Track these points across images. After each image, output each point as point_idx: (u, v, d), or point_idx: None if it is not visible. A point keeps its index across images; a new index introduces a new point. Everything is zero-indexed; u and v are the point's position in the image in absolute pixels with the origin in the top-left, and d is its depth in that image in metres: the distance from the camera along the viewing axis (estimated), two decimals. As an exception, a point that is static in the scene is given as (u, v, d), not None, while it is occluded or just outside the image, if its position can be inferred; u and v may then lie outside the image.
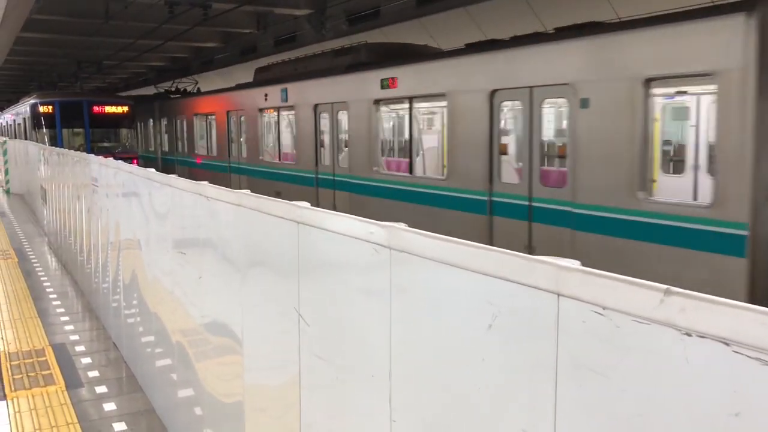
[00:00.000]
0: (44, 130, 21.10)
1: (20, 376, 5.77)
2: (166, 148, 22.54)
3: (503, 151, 9.05)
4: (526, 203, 8.36)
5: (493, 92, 8.69)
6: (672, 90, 8.78)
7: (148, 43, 22.47)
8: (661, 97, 8.71)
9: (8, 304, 8.15)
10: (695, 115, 9.34)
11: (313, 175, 13.05)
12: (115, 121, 22.00)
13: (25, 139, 22.51)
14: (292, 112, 13.91)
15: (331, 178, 12.53)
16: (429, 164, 12.29)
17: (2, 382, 5.61)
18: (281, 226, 2.76)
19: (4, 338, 6.81)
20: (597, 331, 1.37)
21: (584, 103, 7.41)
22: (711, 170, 7.87)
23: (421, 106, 12.18)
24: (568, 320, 1.44)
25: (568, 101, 7.71)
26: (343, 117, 12.38)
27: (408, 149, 11.22)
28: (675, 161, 10.03)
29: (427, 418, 1.95)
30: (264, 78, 15.97)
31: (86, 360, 6.22)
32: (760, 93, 5.78)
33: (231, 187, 3.33)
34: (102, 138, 21.98)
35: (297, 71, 14.45)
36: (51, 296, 8.58)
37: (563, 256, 1.55)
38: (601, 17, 9.88)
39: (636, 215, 6.78)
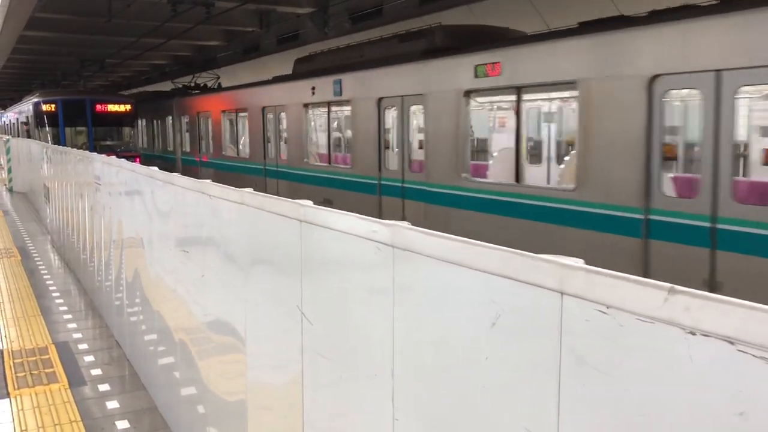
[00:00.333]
0: (47, 128, 21.13)
1: (23, 374, 5.78)
2: (188, 148, 20.48)
3: (669, 154, 7.12)
4: (708, 224, 6.20)
5: (654, 78, 6.59)
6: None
7: (151, 42, 22.48)
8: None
9: (11, 302, 8.17)
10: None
11: (376, 182, 10.97)
12: (118, 119, 22.04)
13: (28, 137, 22.55)
14: (348, 107, 11.89)
15: (400, 185, 10.43)
16: (545, 170, 10.31)
17: (5, 380, 5.63)
18: (284, 225, 2.76)
19: (7, 336, 6.83)
20: (600, 330, 1.37)
21: None
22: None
23: (535, 97, 10.12)
24: (572, 319, 1.44)
25: None
26: (417, 112, 10.53)
27: (514, 151, 8.74)
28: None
29: (430, 416, 1.95)
30: (309, 69, 13.89)
31: (89, 358, 6.23)
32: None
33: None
34: (105, 136, 22.01)
35: (351, 60, 12.44)
36: (54, 294, 8.60)
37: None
38: (600, 13, 9.83)
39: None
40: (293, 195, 11.84)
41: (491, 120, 12.54)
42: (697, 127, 6.84)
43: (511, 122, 9.38)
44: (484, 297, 1.68)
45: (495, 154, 10.78)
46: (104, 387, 5.54)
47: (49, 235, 13.00)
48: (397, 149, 10.79)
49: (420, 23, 16.11)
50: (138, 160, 19.13)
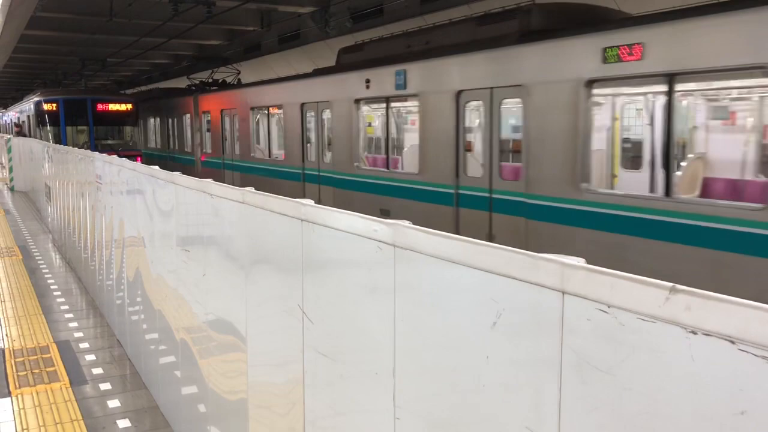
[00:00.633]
0: (48, 127, 21.15)
1: (25, 373, 5.78)
2: (209, 149, 18.53)
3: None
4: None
5: None
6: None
7: (152, 41, 22.48)
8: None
9: (13, 301, 8.18)
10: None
11: (451, 191, 9.16)
12: (119, 118, 22.06)
13: (30, 136, 22.57)
14: (415, 102, 10.01)
15: (486, 195, 8.62)
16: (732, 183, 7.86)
17: (7, 379, 5.63)
18: (285, 224, 2.76)
19: (8, 335, 6.83)
20: (602, 329, 1.37)
21: None
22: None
23: (697, 87, 8.20)
24: (573, 318, 1.44)
25: None
26: (512, 108, 8.79)
27: (662, 157, 6.90)
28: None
29: (431, 415, 1.95)
30: (360, 59, 11.93)
31: (90, 357, 6.23)
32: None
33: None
34: (106, 135, 22.04)
35: (414, 48, 10.59)
36: (55, 293, 8.60)
37: None
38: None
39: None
40: (339, 203, 11.31)
41: (630, 116, 9.59)
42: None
43: (659, 119, 7.53)
44: (485, 296, 1.68)
45: (645, 159, 8.72)
46: (105, 386, 5.54)
47: (51, 234, 13.01)
48: (482, 152, 8.83)
49: (421, 22, 16.09)
50: (139, 159, 19.14)
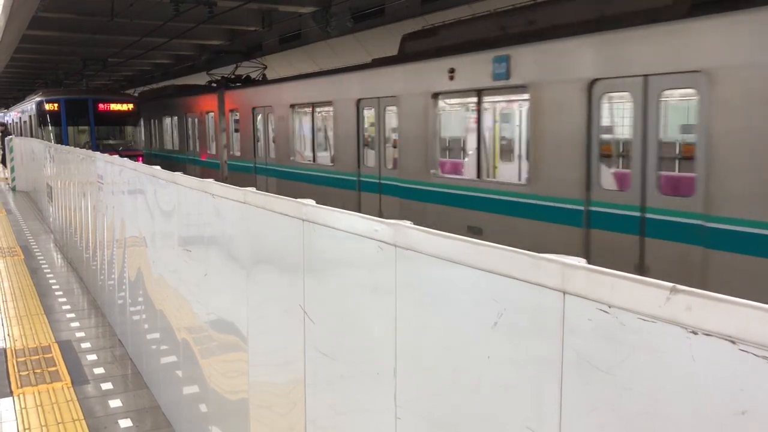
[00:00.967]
0: (50, 127, 21.18)
1: (26, 372, 5.79)
2: (237, 151, 16.45)
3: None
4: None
5: None
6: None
7: (154, 41, 22.50)
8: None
9: (14, 300, 8.19)
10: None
11: (580, 207, 7.19)
12: (121, 118, 22.08)
13: (31, 136, 22.60)
14: (524, 96, 8.13)
15: (636, 215, 6.67)
16: None
17: (9, 379, 5.64)
18: (286, 224, 2.76)
19: (10, 335, 6.84)
20: (602, 329, 1.37)
21: None
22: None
23: None
24: (574, 318, 1.44)
25: None
26: (680, 102, 7.26)
27: None
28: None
29: (432, 415, 1.95)
30: (435, 45, 9.89)
31: (92, 357, 6.24)
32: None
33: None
34: (107, 135, 22.06)
35: (514, 29, 8.62)
36: (57, 293, 8.61)
37: None
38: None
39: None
40: (407, 215, 9.36)
41: None
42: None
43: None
44: (486, 296, 1.68)
45: None
46: (107, 385, 5.55)
47: (52, 234, 13.02)
48: (630, 158, 6.87)
49: (422, 22, 16.09)
50: (141, 159, 19.14)
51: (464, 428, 1.80)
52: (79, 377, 5.71)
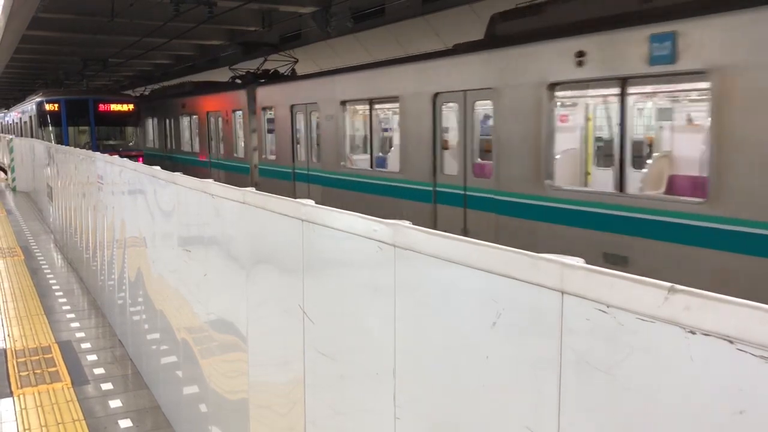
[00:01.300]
0: (50, 128, 21.19)
1: (26, 373, 5.79)
2: (271, 155, 14.55)
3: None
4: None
5: None
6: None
7: (154, 41, 22.50)
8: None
9: (15, 301, 8.19)
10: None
11: None
12: (121, 118, 22.09)
13: (32, 137, 22.61)
14: (703, 84, 6.12)
15: None
16: None
17: (9, 379, 5.64)
18: (286, 224, 2.76)
19: (10, 335, 6.84)
20: (601, 329, 1.37)
21: None
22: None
23: None
24: (572, 318, 1.44)
25: None
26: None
27: None
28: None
29: (431, 415, 1.95)
30: (546, 24, 7.97)
31: (92, 357, 6.24)
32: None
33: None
34: (108, 136, 22.07)
35: (655, 3, 6.94)
36: (57, 293, 8.61)
37: None
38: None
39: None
40: (509, 237, 7.87)
41: None
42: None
43: None
44: (485, 296, 1.68)
45: None
46: (107, 386, 5.55)
47: (52, 235, 13.03)
48: None
49: (423, 23, 16.08)
50: (141, 159, 19.14)
51: (463, 428, 1.80)
52: (79, 377, 5.71)
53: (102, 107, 21.63)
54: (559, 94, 7.72)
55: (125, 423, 4.86)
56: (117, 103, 22.18)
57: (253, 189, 3.21)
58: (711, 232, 5.83)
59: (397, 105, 10.41)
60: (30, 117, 24.40)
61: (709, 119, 5.93)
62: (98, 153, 7.93)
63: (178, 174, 4.42)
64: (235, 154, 16.33)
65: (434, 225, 8.91)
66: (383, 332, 2.12)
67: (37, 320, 7.38)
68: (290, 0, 17.88)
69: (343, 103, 11.64)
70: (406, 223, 2.03)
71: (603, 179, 8.46)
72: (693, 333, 1.18)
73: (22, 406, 5.10)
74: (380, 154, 12.33)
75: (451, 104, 9.24)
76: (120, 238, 6.48)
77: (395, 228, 2.04)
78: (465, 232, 8.41)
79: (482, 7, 14.82)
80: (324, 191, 12.14)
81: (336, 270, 2.50)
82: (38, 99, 22.46)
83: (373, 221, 2.15)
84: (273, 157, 14.37)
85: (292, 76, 15.98)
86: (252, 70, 17.46)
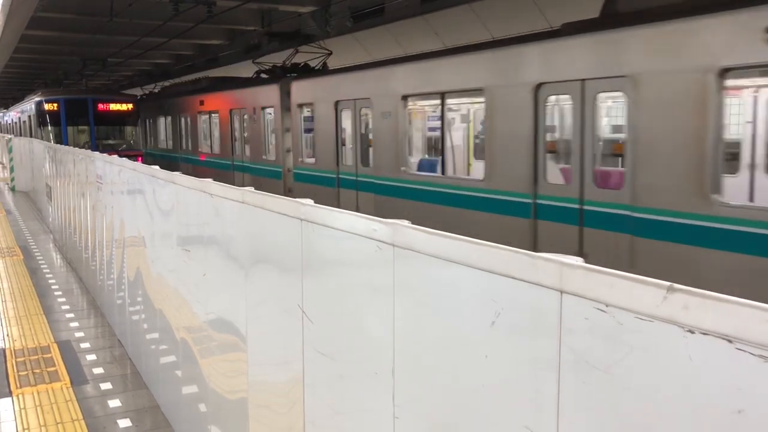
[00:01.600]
0: (49, 127, 21.19)
1: (25, 372, 5.79)
2: (309, 158, 13.03)
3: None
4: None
5: None
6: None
7: (153, 41, 22.50)
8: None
9: (14, 301, 8.18)
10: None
11: None
12: (120, 118, 22.08)
13: (31, 136, 22.61)
14: None
15: None
16: None
17: (8, 379, 5.64)
18: (285, 224, 2.76)
19: (9, 335, 6.84)
20: (600, 328, 1.37)
21: None
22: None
23: None
24: (571, 317, 1.44)
25: None
26: None
27: None
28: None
29: (431, 414, 1.95)
30: None
31: (91, 357, 6.24)
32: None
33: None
34: (107, 135, 22.06)
35: None
36: (56, 293, 8.61)
37: None
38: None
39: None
40: (662, 268, 6.21)
41: None
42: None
43: None
44: (484, 295, 1.68)
45: None
46: (106, 385, 5.55)
47: (52, 234, 13.02)
48: None
49: (422, 23, 16.06)
50: (140, 159, 19.13)
51: (462, 427, 1.80)
52: (78, 377, 5.71)
53: (101, 107, 21.63)
54: (735, 82, 6.17)
55: (124, 423, 4.86)
56: (116, 102, 22.18)
57: (251, 188, 3.21)
58: None
59: (480, 99, 8.93)
60: (29, 116, 24.39)
61: None
62: (97, 153, 7.93)
63: (176, 173, 4.42)
64: (264, 157, 14.62)
65: (533, 245, 7.47)
66: (382, 332, 2.12)
67: (36, 320, 7.38)
68: (290, -1, 17.88)
69: (405, 98, 9.90)
70: (405, 222, 2.03)
71: None
72: (692, 332, 1.18)
73: (21, 406, 5.10)
74: (452, 157, 10.54)
75: (560, 97, 7.74)
76: (119, 238, 6.47)
77: (394, 227, 2.04)
78: (580, 252, 7.01)
79: (481, 6, 14.83)
80: (377, 200, 10.52)
81: (335, 270, 2.49)
82: (37, 98, 22.46)
83: (372, 221, 2.15)
84: (311, 161, 12.80)
85: (336, 69, 14.08)
86: (278, 64, 15.68)
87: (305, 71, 14.96)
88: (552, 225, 7.46)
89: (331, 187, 11.93)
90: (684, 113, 6.02)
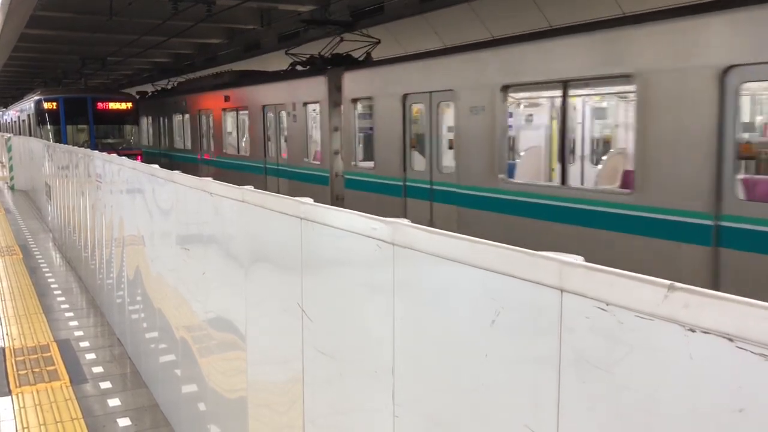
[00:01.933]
0: (48, 126, 21.18)
1: (25, 371, 5.79)
2: (365, 162, 11.21)
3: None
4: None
5: None
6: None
7: (152, 40, 22.49)
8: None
9: (13, 300, 8.18)
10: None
11: None
12: (119, 117, 22.08)
13: (30, 135, 22.60)
14: None
15: None
16: None
17: (7, 378, 5.64)
18: (285, 222, 2.76)
19: (9, 334, 6.84)
20: (600, 327, 1.37)
21: None
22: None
23: None
24: (571, 316, 1.44)
25: None
26: None
27: None
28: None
29: (430, 413, 1.95)
30: None
31: (91, 356, 6.23)
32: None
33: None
34: (106, 134, 22.06)
35: None
36: (56, 292, 8.61)
37: None
38: (606, 13, 9.77)
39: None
40: None
41: None
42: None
43: None
44: (484, 294, 1.68)
45: None
46: (106, 384, 5.54)
47: (51, 233, 13.01)
48: None
49: (422, 22, 16.04)
50: (140, 158, 19.11)
51: (462, 426, 1.80)
52: (77, 376, 5.70)
53: (100, 106, 21.63)
54: None
55: (124, 422, 4.86)
56: (115, 101, 22.18)
57: (251, 187, 3.20)
58: None
59: (627, 87, 7.24)
60: (28, 115, 24.39)
61: None
62: (96, 152, 7.92)
63: (176, 172, 4.41)
64: (305, 159, 12.84)
65: (715, 282, 5.71)
66: (382, 331, 2.12)
67: (36, 319, 7.37)
68: (289, -2, 17.85)
69: (506, 88, 7.98)
70: (405, 221, 2.03)
71: None
72: (692, 331, 1.17)
73: (21, 405, 5.09)
74: (579, 163, 8.68)
75: (762, 84, 5.99)
76: (119, 237, 6.47)
77: (394, 226, 2.04)
78: None
79: (480, 5, 14.82)
80: (461, 214, 8.72)
81: (335, 268, 2.49)
82: (37, 97, 22.46)
83: (372, 219, 2.15)
84: (368, 165, 10.96)
85: (403, 57, 11.97)
86: (316, 55, 13.74)
87: (349, 62, 12.86)
88: (744, 256, 5.49)
89: (396, 196, 10.10)
90: None
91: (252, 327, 3.26)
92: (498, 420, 1.67)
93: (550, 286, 1.48)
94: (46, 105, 21.33)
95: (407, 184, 9.90)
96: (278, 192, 3.28)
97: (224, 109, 16.84)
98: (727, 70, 5.60)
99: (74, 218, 9.55)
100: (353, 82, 11.39)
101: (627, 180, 6.78)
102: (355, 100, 11.34)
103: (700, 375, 1.17)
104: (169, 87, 24.43)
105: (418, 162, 9.80)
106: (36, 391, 5.38)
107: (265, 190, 3.20)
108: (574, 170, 8.30)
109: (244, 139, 15.88)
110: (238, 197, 3.27)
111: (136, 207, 5.67)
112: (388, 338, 2.09)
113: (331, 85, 11.97)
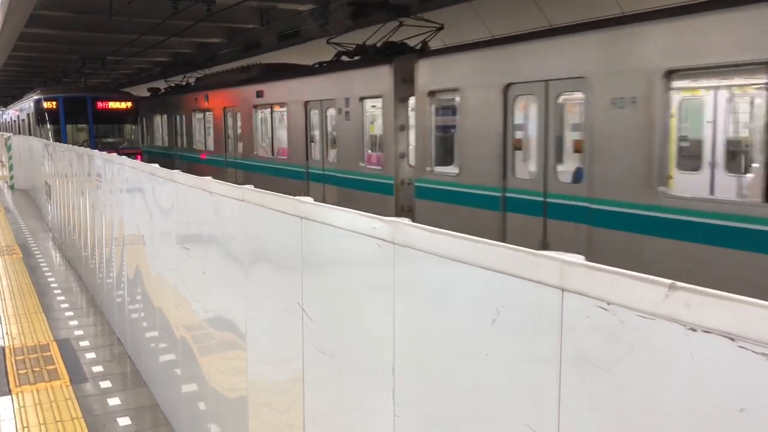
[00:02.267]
0: (48, 125, 21.17)
1: (25, 371, 5.79)
2: (446, 167, 9.26)
3: None
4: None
5: None
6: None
7: (152, 39, 22.47)
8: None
9: (13, 299, 8.18)
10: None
11: None
12: (119, 116, 22.08)
13: (30, 134, 22.59)
14: None
15: None
16: None
17: (7, 377, 5.63)
18: (285, 222, 2.75)
19: (9, 333, 6.83)
20: (601, 326, 1.36)
21: None
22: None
23: None
24: (572, 315, 1.43)
25: None
26: None
27: None
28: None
29: (431, 413, 1.94)
30: None
31: (91, 355, 6.23)
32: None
33: None
34: (106, 133, 22.05)
35: None
36: (55, 292, 8.60)
37: None
38: (606, 13, 9.75)
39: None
40: None
41: None
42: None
43: None
44: (485, 293, 1.68)
45: None
46: (106, 384, 5.54)
47: (51, 233, 13.01)
48: None
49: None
50: (139, 157, 19.09)
51: (462, 426, 1.80)
52: (77, 375, 5.70)
53: (100, 105, 21.63)
54: None
55: (124, 421, 4.86)
56: (115, 101, 22.18)
57: (251, 187, 3.20)
58: None
59: None
60: (28, 115, 24.37)
61: None
62: (96, 151, 7.92)
63: (176, 171, 4.41)
64: (361, 164, 11.04)
65: None
66: (382, 330, 2.12)
67: (36, 318, 7.37)
68: (289, -3, 17.85)
69: (669, 74, 5.95)
70: (405, 220, 2.03)
71: None
72: (694, 330, 1.17)
73: (21, 404, 5.09)
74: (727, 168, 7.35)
75: None
76: (119, 236, 6.47)
77: (395, 225, 2.03)
78: None
79: (480, 5, 14.82)
80: (594, 234, 6.78)
81: (335, 268, 2.49)
82: (36, 97, 22.45)
83: (372, 219, 2.15)
84: (450, 171, 9.07)
85: (501, 38, 9.43)
86: (359, 45, 12.19)
87: (405, 51, 11.21)
88: None
89: (492, 209, 8.15)
90: None
91: (252, 326, 3.26)
92: (499, 419, 1.67)
93: (551, 285, 1.48)
94: (45, 104, 21.32)
95: (507, 195, 7.99)
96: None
97: (255, 106, 14.87)
98: None
99: (74, 217, 9.55)
100: (431, 72, 9.40)
101: None
102: (433, 93, 9.32)
103: (701, 374, 1.17)
104: (184, 83, 23.03)
105: (524, 168, 7.98)
106: (36, 390, 5.38)
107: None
108: (726, 177, 6.57)
109: (282, 140, 13.99)
110: (238, 196, 3.27)
111: (136, 206, 5.67)
112: (389, 338, 2.09)
113: (398, 75, 10.10)
